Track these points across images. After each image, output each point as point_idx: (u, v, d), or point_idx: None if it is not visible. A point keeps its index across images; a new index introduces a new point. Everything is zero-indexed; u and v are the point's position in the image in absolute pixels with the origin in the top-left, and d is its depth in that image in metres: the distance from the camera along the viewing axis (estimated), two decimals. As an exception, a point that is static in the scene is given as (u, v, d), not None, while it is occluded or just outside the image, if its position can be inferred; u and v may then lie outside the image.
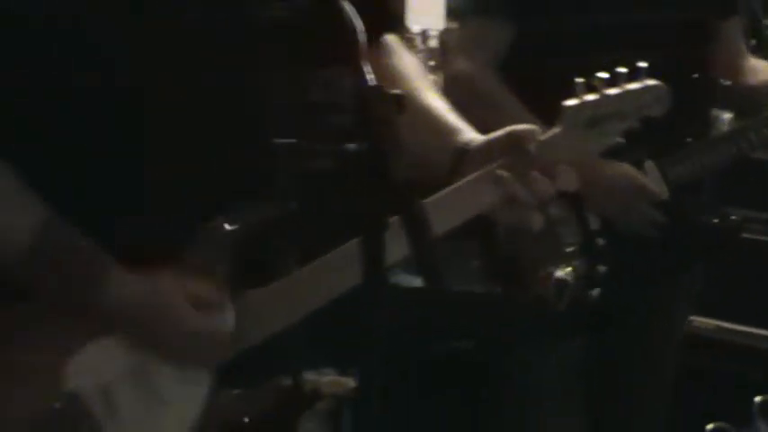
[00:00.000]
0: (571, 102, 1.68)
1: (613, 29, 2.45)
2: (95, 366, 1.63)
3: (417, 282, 3.71)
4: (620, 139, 1.72)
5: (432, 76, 4.32)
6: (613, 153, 2.30)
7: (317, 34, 1.46)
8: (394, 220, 1.27)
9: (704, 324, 3.32)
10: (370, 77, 1.31)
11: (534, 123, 1.76)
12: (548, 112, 2.31)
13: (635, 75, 1.71)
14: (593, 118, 1.69)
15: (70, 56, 1.61)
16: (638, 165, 2.46)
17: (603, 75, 1.68)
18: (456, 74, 2.53)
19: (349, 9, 1.35)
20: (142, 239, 1.66)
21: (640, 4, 2.48)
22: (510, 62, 2.49)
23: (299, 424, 1.98)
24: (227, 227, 1.66)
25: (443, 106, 1.83)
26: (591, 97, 1.68)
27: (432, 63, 4.61)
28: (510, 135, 1.70)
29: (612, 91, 1.69)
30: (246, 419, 1.72)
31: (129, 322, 1.63)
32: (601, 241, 2.41)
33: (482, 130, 1.76)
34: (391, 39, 1.91)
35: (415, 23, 4.60)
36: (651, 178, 2.44)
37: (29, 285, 1.60)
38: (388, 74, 1.82)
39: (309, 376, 2.53)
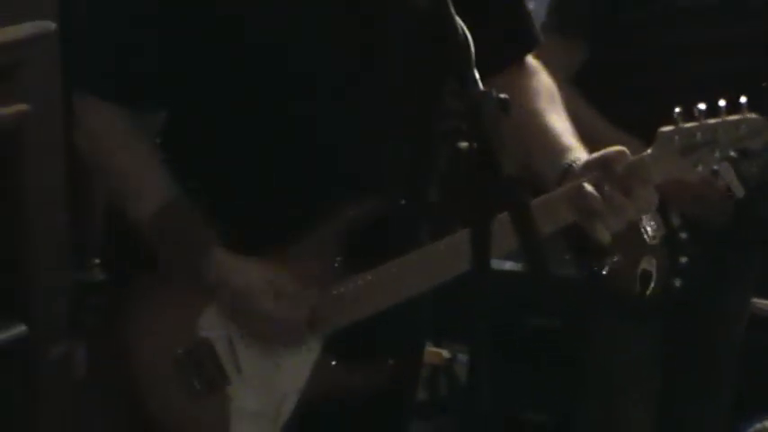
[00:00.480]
0: (666, 128, 1.73)
1: (688, 45, 2.51)
2: (222, 320, 1.84)
3: (506, 265, 3.79)
4: (716, 168, 1.75)
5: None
6: None
7: (436, 46, 1.59)
8: (502, 216, 1.37)
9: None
10: (479, 83, 1.41)
11: (627, 142, 1.82)
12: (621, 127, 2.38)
13: (736, 107, 1.73)
14: (687, 145, 1.73)
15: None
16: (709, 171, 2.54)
17: (702, 105, 1.71)
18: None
19: (460, 23, 1.45)
20: (266, 222, 1.84)
21: (712, 19, 2.52)
22: (581, 79, 2.56)
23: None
24: (343, 216, 1.82)
25: (565, 127, 1.90)
26: (687, 125, 1.72)
27: None
28: (603, 153, 1.76)
29: (710, 121, 1.72)
30: (353, 390, 1.87)
31: (219, 297, 1.82)
32: (683, 235, 2.51)
33: None
34: (532, 60, 2.02)
35: None
36: (728, 179, 2.52)
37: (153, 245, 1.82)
38: (524, 92, 1.94)
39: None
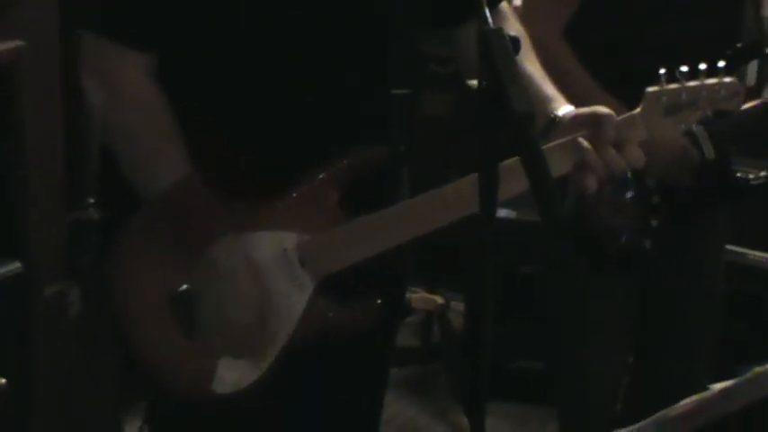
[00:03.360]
0: (653, 88, 1.82)
1: (664, 7, 2.52)
2: (217, 261, 1.85)
3: (501, 213, 3.81)
4: (695, 128, 1.86)
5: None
6: None
7: None
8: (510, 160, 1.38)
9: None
10: (491, 21, 1.41)
11: (606, 100, 1.90)
12: (603, 80, 2.41)
13: (714, 71, 1.84)
14: (671, 105, 1.83)
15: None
16: (689, 129, 2.57)
17: (684, 68, 1.81)
18: (531, 41, 2.60)
19: None
20: (265, 167, 1.85)
21: None
22: (570, 31, 2.57)
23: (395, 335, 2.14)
24: (336, 166, 1.84)
25: (542, 75, 1.96)
26: (672, 86, 1.83)
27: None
28: (593, 113, 1.82)
29: (692, 83, 1.84)
30: (342, 329, 1.90)
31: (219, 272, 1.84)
32: (655, 198, 2.55)
33: None
34: (504, 6, 2.05)
35: None
36: (702, 142, 2.55)
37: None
38: None
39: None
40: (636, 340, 2.84)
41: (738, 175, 2.63)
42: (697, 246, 2.75)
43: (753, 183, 2.60)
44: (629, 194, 2.54)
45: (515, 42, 1.40)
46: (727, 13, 2.57)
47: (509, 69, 1.37)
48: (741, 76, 2.59)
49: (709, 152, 2.54)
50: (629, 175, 2.43)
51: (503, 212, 3.72)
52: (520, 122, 1.34)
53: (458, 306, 4.11)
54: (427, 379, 3.96)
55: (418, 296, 3.99)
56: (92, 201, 3.04)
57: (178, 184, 1.80)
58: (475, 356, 1.48)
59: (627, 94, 1.95)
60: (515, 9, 2.60)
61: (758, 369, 1.36)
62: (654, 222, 2.56)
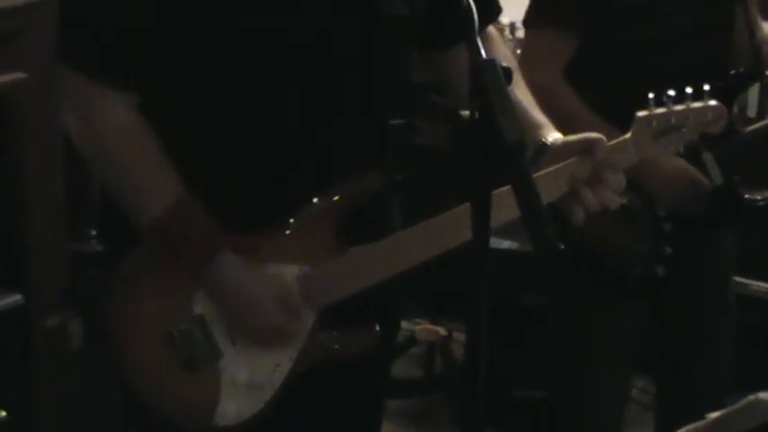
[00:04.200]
0: (643, 113, 1.85)
1: (668, 37, 2.56)
2: (220, 280, 1.84)
3: (504, 244, 3.83)
4: (681, 150, 1.90)
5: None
6: None
7: (439, 16, 1.59)
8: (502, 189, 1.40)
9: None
10: (483, 51, 1.42)
11: (615, 136, 1.89)
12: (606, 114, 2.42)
13: (700, 94, 1.87)
14: (660, 129, 1.86)
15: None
16: (697, 156, 2.60)
17: (671, 92, 1.85)
18: (533, 86, 2.62)
19: None
20: (257, 207, 1.84)
21: (691, 11, 2.57)
22: (570, 70, 2.60)
23: (393, 366, 2.14)
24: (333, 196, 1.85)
25: (531, 101, 1.98)
26: (661, 110, 1.85)
27: (518, 51, 4.70)
28: (583, 140, 1.85)
29: (679, 107, 1.86)
30: (344, 357, 1.90)
31: (221, 297, 1.85)
32: (667, 226, 2.57)
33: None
34: (491, 30, 2.06)
35: (503, 16, 4.67)
36: (709, 168, 2.58)
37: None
38: None
39: (405, 325, 2.63)
40: (658, 371, 2.87)
41: (746, 197, 2.64)
42: (710, 272, 2.76)
43: (760, 203, 2.62)
44: (643, 227, 2.58)
45: (507, 72, 1.41)
46: (720, 41, 2.60)
47: (501, 100, 1.38)
48: (743, 108, 2.61)
49: (718, 178, 2.57)
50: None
51: (505, 244, 3.73)
52: (511, 152, 1.35)
53: (460, 337, 4.11)
54: (430, 409, 3.96)
55: (421, 328, 3.99)
56: (93, 233, 3.05)
57: (169, 209, 1.79)
58: (471, 385, 1.47)
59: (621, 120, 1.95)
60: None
61: (752, 397, 1.36)
62: (667, 250, 2.58)
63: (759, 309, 3.50)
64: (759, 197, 2.64)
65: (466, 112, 1.41)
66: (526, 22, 2.68)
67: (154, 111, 1.81)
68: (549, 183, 1.80)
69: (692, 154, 2.56)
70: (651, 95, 1.85)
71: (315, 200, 1.85)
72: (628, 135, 1.86)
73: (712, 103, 1.89)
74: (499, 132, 1.35)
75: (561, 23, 2.58)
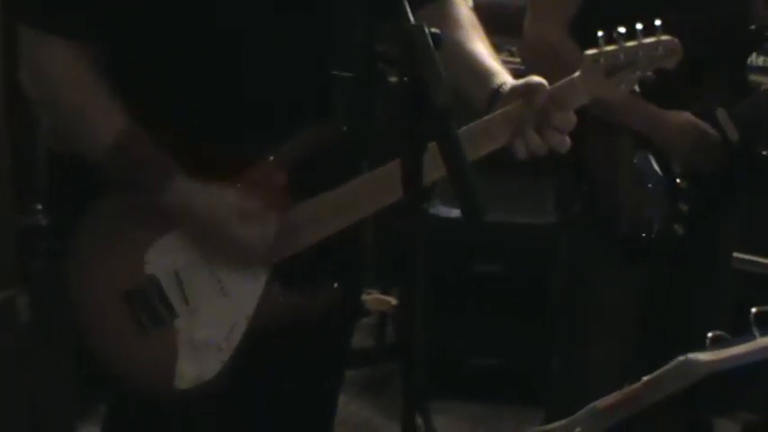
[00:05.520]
0: (591, 51, 1.84)
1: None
2: (168, 255, 1.86)
3: (455, 213, 3.86)
4: (636, 89, 1.87)
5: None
6: (686, 102, 2.54)
7: None
8: (432, 144, 1.39)
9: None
10: (412, 17, 1.42)
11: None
12: None
13: (651, 30, 1.84)
14: (610, 67, 1.84)
15: None
16: (711, 112, 2.62)
17: (622, 29, 1.82)
18: (537, 38, 2.66)
19: None
20: (213, 151, 1.84)
21: None
22: (576, 23, 2.62)
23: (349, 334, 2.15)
24: (285, 148, 1.84)
25: (488, 52, 2.00)
26: (609, 48, 1.84)
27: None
28: (526, 82, 1.85)
29: (630, 43, 1.84)
30: (301, 314, 1.90)
31: (183, 222, 1.85)
32: (683, 183, 2.58)
33: None
34: None
35: None
36: (723, 124, 2.61)
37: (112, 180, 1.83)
38: (450, 22, 2.01)
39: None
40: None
41: (765, 153, 2.66)
42: (716, 243, 2.77)
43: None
44: (658, 181, 2.58)
45: (436, 37, 1.41)
46: (739, 2, 2.60)
47: (430, 64, 1.38)
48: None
49: (733, 134, 2.59)
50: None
51: (456, 212, 3.74)
52: (440, 115, 1.36)
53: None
54: (382, 380, 3.97)
55: (372, 297, 4.00)
56: (39, 207, 3.03)
57: (121, 137, 1.80)
58: (408, 353, 1.47)
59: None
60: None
61: (682, 358, 1.37)
62: (683, 207, 2.59)
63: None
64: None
65: (394, 78, 1.41)
66: None
67: (109, 66, 1.84)
68: (496, 126, 1.82)
69: (704, 112, 2.61)
70: (600, 33, 1.83)
71: (262, 156, 1.85)
72: (576, 74, 1.85)
73: (664, 37, 1.86)
74: (428, 96, 1.36)
75: None
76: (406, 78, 1.38)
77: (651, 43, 1.86)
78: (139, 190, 1.83)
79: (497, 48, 5.26)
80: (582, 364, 2.77)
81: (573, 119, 1.84)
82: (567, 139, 1.84)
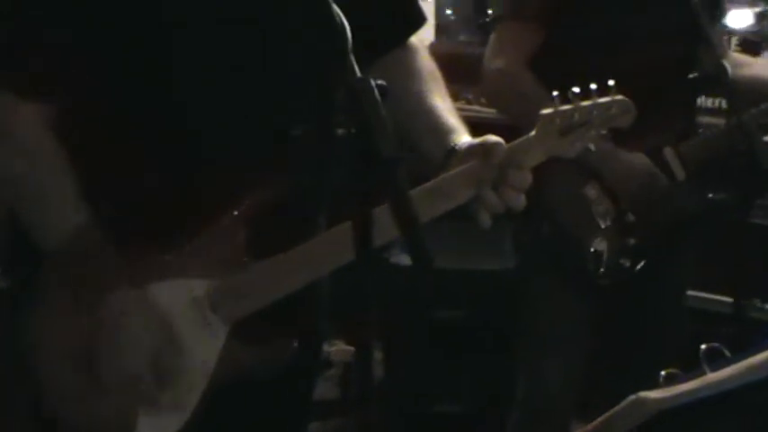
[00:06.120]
0: (546, 111, 1.86)
1: (628, 34, 2.69)
2: (112, 316, 1.81)
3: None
4: (591, 147, 1.90)
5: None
6: (635, 140, 2.60)
7: (312, 34, 1.62)
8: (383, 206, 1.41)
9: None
10: (357, 69, 1.45)
11: None
12: None
13: (605, 90, 1.87)
14: (565, 126, 1.87)
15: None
16: (658, 151, 2.70)
17: (576, 89, 1.85)
18: (497, 71, 2.77)
19: (337, 10, 1.49)
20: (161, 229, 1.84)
21: (653, 10, 2.70)
22: (536, 62, 2.73)
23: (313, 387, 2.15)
24: (243, 207, 1.84)
25: (446, 107, 2.01)
26: (565, 107, 1.86)
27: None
28: (482, 141, 1.87)
29: (584, 103, 1.87)
30: (262, 375, 1.88)
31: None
32: (631, 218, 2.66)
33: (521, 122, 1.95)
34: (415, 40, 2.08)
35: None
36: (671, 162, 2.68)
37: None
38: (408, 73, 2.03)
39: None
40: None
41: (710, 196, 2.78)
42: (670, 279, 2.84)
43: (723, 202, 2.70)
44: (606, 216, 2.65)
45: (382, 89, 1.43)
46: (687, 43, 2.67)
47: (376, 117, 1.41)
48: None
49: (680, 174, 2.66)
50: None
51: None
52: (387, 168, 1.37)
53: (377, 355, 4.13)
54: (347, 431, 3.96)
55: (336, 348, 4.00)
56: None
57: (68, 242, 1.78)
58: (364, 401, 1.48)
59: None
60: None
61: (633, 397, 1.39)
62: (631, 241, 2.66)
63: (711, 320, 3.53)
64: (723, 195, 2.71)
65: (342, 130, 1.43)
66: (496, 20, 2.83)
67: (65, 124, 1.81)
68: (454, 185, 1.83)
69: (652, 150, 2.69)
70: (555, 93, 1.86)
71: (220, 215, 1.84)
72: (532, 133, 1.87)
73: (618, 97, 1.89)
74: (374, 147, 1.37)
75: (527, 17, 2.72)
76: (352, 130, 1.41)
77: (605, 103, 1.88)
78: (81, 282, 1.81)
79: (456, 95, 5.38)
80: (539, 399, 2.85)
81: (529, 177, 1.85)
82: (523, 198, 1.85)
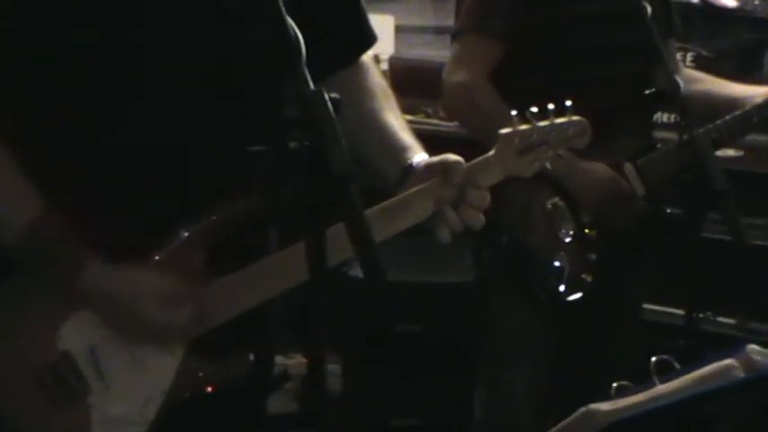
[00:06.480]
0: (505, 130, 1.88)
1: (585, 52, 2.75)
2: (83, 330, 1.83)
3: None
4: (548, 166, 1.92)
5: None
6: (594, 156, 2.65)
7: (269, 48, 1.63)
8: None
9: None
10: (311, 82, 1.45)
11: None
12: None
13: (562, 110, 1.90)
14: (524, 146, 1.89)
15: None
16: (618, 166, 2.73)
17: (534, 108, 1.88)
18: (457, 84, 2.80)
19: (291, 23, 1.49)
20: (126, 235, 1.83)
21: (611, 29, 2.77)
22: (496, 78, 2.77)
23: (268, 402, 2.14)
24: (200, 225, 1.84)
25: (400, 125, 2.01)
26: (523, 127, 1.89)
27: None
28: (442, 160, 1.88)
29: (542, 123, 1.90)
30: (217, 390, 1.89)
31: (97, 307, 1.82)
32: (592, 232, 2.70)
33: (480, 136, 1.96)
34: (366, 59, 2.08)
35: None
36: (630, 178, 2.71)
37: (23, 264, 1.81)
38: (360, 91, 2.03)
39: (278, 359, 2.60)
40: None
41: (668, 210, 2.77)
42: (626, 284, 2.88)
43: (681, 218, 2.73)
44: (567, 232, 2.68)
45: (336, 102, 1.44)
46: (643, 60, 2.70)
47: (330, 130, 1.41)
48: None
49: (639, 189, 2.69)
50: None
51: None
52: (339, 179, 1.38)
53: (336, 369, 4.13)
54: (306, 444, 3.96)
55: (295, 362, 4.00)
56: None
57: (35, 221, 1.77)
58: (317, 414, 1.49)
59: None
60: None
61: (583, 409, 1.40)
62: (592, 256, 2.70)
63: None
64: (680, 211, 2.74)
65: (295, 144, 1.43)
66: (455, 34, 2.88)
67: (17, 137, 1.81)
68: (413, 203, 1.84)
69: (612, 165, 2.72)
70: (514, 113, 1.88)
71: (180, 232, 1.84)
72: (491, 153, 1.89)
73: (575, 118, 1.92)
74: (327, 160, 1.38)
75: (487, 32, 2.77)
76: (305, 144, 1.41)
77: (562, 123, 1.92)
78: (52, 274, 1.81)
79: (414, 109, 5.38)
80: (500, 414, 2.89)
81: (487, 197, 1.87)
82: (482, 216, 1.87)
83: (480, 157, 1.89)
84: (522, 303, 2.79)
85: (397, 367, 3.89)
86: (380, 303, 3.85)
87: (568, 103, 1.90)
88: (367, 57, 2.09)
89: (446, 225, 1.86)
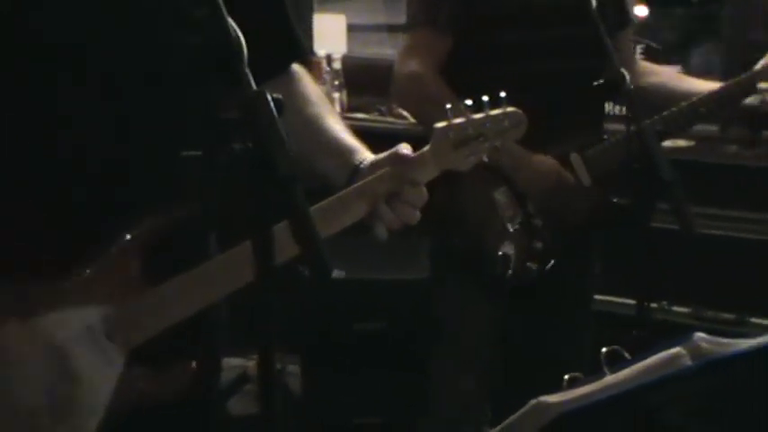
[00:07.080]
0: (440, 124, 1.87)
1: (531, 45, 2.79)
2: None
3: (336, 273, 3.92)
4: (485, 159, 1.91)
5: (336, 95, 4.69)
6: (542, 147, 2.71)
7: (209, 50, 1.63)
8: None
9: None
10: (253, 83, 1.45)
11: None
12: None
13: (497, 102, 1.89)
14: (459, 139, 1.88)
15: None
16: (565, 157, 2.76)
17: (469, 101, 1.87)
18: (408, 74, 2.84)
19: (232, 23, 1.49)
20: (58, 247, 1.82)
21: (557, 22, 2.81)
22: (447, 68, 2.81)
23: (227, 405, 2.12)
24: (133, 234, 1.83)
25: (342, 128, 2.02)
26: (457, 120, 1.88)
27: (336, 83, 4.86)
28: (389, 156, 1.88)
29: (477, 116, 1.88)
30: (159, 397, 1.86)
31: None
32: (538, 222, 2.72)
33: (428, 125, 1.96)
34: (298, 68, 2.08)
35: (320, 48, 4.80)
36: (576, 168, 2.74)
37: None
38: (297, 98, 2.02)
39: (238, 361, 2.60)
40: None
41: (615, 200, 2.79)
42: (576, 283, 2.93)
43: (628, 208, 2.76)
44: (514, 220, 2.72)
45: (278, 103, 1.44)
46: (592, 53, 2.70)
47: (273, 132, 1.41)
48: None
49: (585, 180, 2.71)
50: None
51: (333, 273, 3.77)
52: (283, 180, 1.38)
53: (295, 370, 4.13)
54: (267, 446, 3.95)
55: (254, 363, 3.98)
56: None
57: None
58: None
59: None
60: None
61: (534, 401, 1.41)
62: (538, 245, 2.72)
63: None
64: (625, 200, 2.77)
65: (237, 145, 1.42)
66: (407, 27, 2.95)
67: None
68: (351, 201, 1.84)
69: (559, 155, 2.74)
70: (448, 106, 1.87)
71: (113, 240, 1.83)
72: (426, 148, 1.87)
73: (510, 109, 1.90)
74: (271, 161, 1.38)
75: (438, 24, 2.81)
76: (248, 145, 1.40)
77: (498, 115, 1.90)
78: None
79: (368, 107, 5.41)
80: (453, 408, 2.92)
81: (424, 193, 1.87)
82: (418, 213, 1.87)
83: (416, 153, 1.88)
84: (473, 296, 2.82)
85: (357, 365, 3.89)
86: (337, 302, 3.85)
87: (503, 94, 1.89)
88: (298, 66, 2.09)
89: (383, 222, 1.86)
